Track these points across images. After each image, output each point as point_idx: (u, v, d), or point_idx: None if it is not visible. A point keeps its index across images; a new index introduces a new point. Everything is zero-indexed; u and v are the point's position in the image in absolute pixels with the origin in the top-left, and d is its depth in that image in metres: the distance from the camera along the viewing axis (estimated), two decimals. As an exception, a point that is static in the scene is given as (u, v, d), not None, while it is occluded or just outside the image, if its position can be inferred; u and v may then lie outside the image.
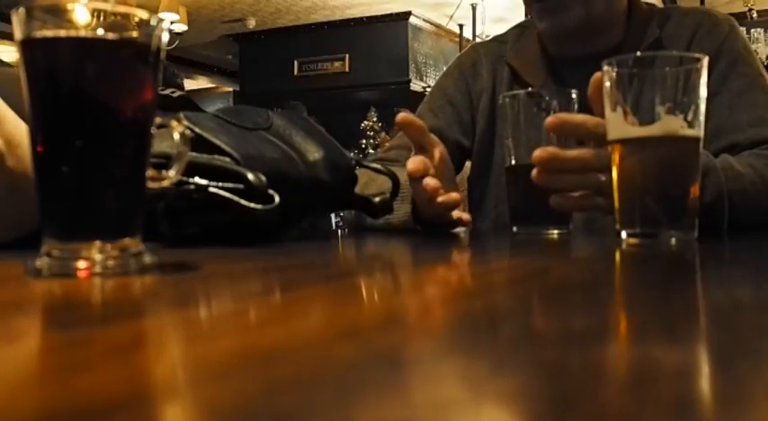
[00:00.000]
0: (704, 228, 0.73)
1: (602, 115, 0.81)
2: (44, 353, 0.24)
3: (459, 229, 0.96)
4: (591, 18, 1.05)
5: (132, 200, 0.45)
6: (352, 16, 6.90)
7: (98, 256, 0.42)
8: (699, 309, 0.35)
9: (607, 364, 0.22)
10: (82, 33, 0.43)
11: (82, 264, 0.41)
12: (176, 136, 0.48)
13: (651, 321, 0.30)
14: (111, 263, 0.42)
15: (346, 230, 1.09)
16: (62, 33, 0.42)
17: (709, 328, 0.29)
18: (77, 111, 0.42)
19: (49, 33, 0.42)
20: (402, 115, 0.90)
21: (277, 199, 0.64)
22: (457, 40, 6.47)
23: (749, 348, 0.25)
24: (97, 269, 0.42)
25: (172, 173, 0.47)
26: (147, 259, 0.44)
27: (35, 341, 0.26)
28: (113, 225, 0.44)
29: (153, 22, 0.44)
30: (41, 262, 0.42)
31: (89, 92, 0.43)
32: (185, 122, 0.70)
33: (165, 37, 0.45)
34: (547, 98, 0.86)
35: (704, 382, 0.21)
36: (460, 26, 6.28)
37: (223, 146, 0.69)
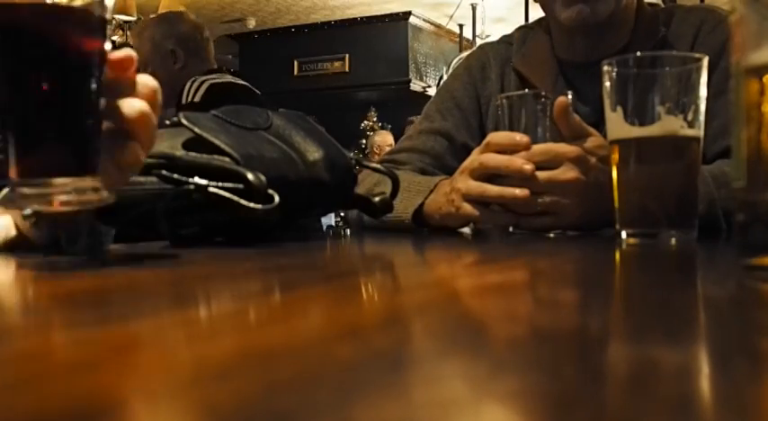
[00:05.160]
0: (704, 229, 0.73)
1: (569, 135, 0.82)
2: (44, 353, 0.24)
3: (463, 229, 0.95)
4: (616, 12, 1.04)
5: (90, 140, 0.49)
6: (352, 16, 6.90)
7: (61, 190, 0.46)
8: (699, 309, 0.35)
9: (607, 364, 0.22)
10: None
11: (47, 194, 0.46)
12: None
13: (651, 321, 0.30)
14: (73, 196, 0.46)
15: (347, 230, 1.09)
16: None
17: (709, 328, 0.29)
18: (37, 65, 0.47)
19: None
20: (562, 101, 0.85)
21: (277, 199, 0.64)
22: (457, 40, 6.47)
23: (749, 348, 0.25)
24: (62, 199, 0.46)
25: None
26: (105, 194, 0.48)
27: (35, 340, 0.26)
28: (73, 162, 0.48)
29: None
30: (12, 195, 0.46)
31: (44, 51, 0.47)
32: (186, 122, 0.71)
33: (110, 2, 0.50)
34: (543, 99, 0.86)
35: (704, 382, 0.21)
36: (460, 26, 6.28)
37: (223, 146, 0.69)
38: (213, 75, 2.11)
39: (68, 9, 0.48)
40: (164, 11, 4.87)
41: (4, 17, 0.47)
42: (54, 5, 0.48)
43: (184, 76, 2.10)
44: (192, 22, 2.23)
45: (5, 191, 0.46)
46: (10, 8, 0.47)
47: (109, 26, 0.49)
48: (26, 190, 0.46)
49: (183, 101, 2.03)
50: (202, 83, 2.04)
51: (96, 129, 0.49)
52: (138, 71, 0.52)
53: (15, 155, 0.47)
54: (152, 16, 2.34)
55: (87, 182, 0.47)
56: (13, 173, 0.46)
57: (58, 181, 0.46)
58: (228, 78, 2.15)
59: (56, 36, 0.47)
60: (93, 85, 0.49)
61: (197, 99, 2.00)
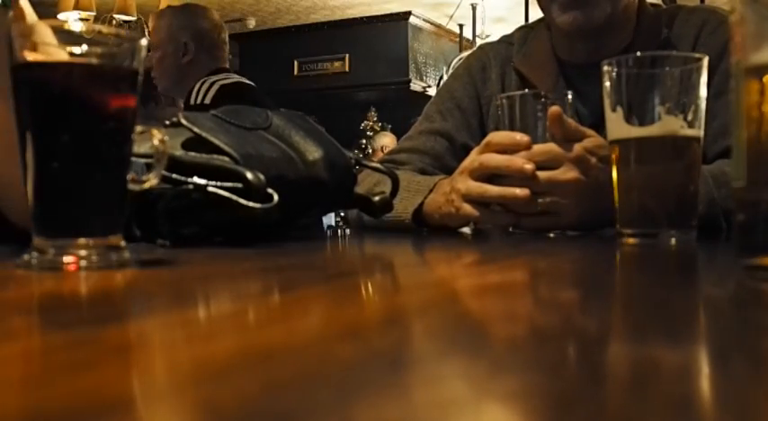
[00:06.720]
0: (704, 229, 0.73)
1: (564, 140, 0.83)
2: (44, 353, 0.24)
3: (463, 229, 0.95)
4: (614, 15, 1.04)
5: (115, 200, 0.48)
6: (352, 16, 6.90)
7: (83, 252, 0.45)
8: (699, 309, 0.35)
9: (607, 364, 0.22)
10: (70, 58, 0.47)
11: (69, 258, 0.45)
12: (156, 142, 0.51)
13: (651, 321, 0.30)
14: (95, 258, 0.45)
15: (347, 229, 1.09)
16: (51, 58, 0.47)
17: (709, 328, 0.29)
18: (65, 125, 0.46)
19: (40, 58, 0.46)
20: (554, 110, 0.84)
21: (276, 198, 0.64)
22: (457, 40, 6.46)
23: (749, 348, 0.25)
24: (83, 263, 0.45)
25: (151, 176, 0.51)
26: (127, 254, 0.47)
27: (35, 340, 0.26)
28: (98, 223, 0.47)
29: (134, 43, 0.48)
30: (31, 257, 0.45)
31: (76, 109, 0.46)
32: (185, 122, 0.70)
33: (144, 53, 0.49)
34: (543, 99, 0.86)
35: (704, 382, 0.21)
36: (460, 26, 6.28)
37: (222, 145, 0.69)
38: (221, 75, 2.09)
39: (100, 68, 0.47)
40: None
41: (35, 75, 0.47)
42: (85, 65, 0.47)
43: (191, 70, 2.09)
44: (213, 21, 2.21)
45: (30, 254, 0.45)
46: (41, 67, 0.46)
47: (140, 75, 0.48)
48: (48, 249, 0.45)
49: (192, 102, 2.01)
50: (212, 84, 2.02)
51: (122, 187, 0.48)
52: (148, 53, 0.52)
53: (38, 213, 0.46)
54: (176, 4, 2.30)
55: (111, 241, 0.46)
56: (35, 231, 0.46)
57: (81, 241, 0.45)
58: (236, 78, 2.13)
59: (86, 95, 0.46)
60: (121, 145, 0.48)
61: (207, 101, 1.99)
